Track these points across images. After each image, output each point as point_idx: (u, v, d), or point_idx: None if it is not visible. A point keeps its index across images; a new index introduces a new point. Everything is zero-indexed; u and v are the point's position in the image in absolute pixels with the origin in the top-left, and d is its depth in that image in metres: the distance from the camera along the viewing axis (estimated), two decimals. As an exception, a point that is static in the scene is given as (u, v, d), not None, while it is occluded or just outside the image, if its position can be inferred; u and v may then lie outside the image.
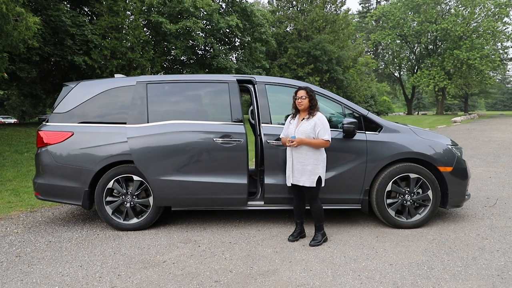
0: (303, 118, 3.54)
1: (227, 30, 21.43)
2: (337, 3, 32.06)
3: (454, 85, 38.02)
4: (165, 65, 21.74)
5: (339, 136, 3.92)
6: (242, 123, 3.99)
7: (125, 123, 3.97)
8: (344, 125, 3.79)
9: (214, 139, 3.86)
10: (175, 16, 18.89)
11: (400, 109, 67.78)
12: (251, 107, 4.63)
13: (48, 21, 12.73)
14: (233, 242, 3.68)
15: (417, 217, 4.02)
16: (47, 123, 4.10)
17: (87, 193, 3.94)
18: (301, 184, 3.50)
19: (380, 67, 50.20)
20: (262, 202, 4.05)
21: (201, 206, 4.05)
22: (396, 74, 50.43)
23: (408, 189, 3.98)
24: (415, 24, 39.78)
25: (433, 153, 4.01)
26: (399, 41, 43.49)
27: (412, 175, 3.95)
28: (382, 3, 53.58)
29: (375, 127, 4.05)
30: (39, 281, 2.89)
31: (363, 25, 54.09)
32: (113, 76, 4.48)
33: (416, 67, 44.78)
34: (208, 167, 3.89)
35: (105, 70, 14.58)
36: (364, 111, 4.11)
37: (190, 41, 19.66)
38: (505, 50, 40.43)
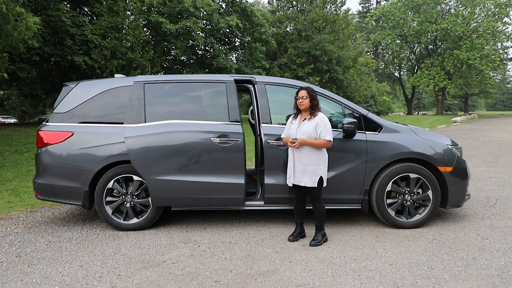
0: (305, 119, 3.53)
1: (227, 30, 21.45)
2: (337, 3, 32.07)
3: (454, 85, 38.03)
4: (165, 65, 21.76)
5: (339, 136, 3.91)
6: (240, 123, 3.99)
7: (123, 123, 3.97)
8: (344, 125, 3.79)
9: (212, 139, 3.86)
10: (175, 16, 18.90)
11: (400, 109, 67.78)
12: (251, 107, 4.62)
13: (48, 21, 12.73)
14: (233, 242, 3.68)
15: (417, 217, 4.02)
16: (47, 123, 4.10)
17: (87, 193, 3.94)
18: (302, 185, 3.50)
19: (380, 67, 50.21)
20: (262, 202, 4.05)
21: (199, 206, 4.04)
22: (396, 74, 50.44)
23: (408, 189, 3.98)
24: (415, 24, 39.78)
25: (433, 153, 4.01)
26: (399, 41, 43.51)
27: (412, 175, 3.95)
28: (382, 3, 53.61)
29: (375, 127, 4.05)
30: (39, 281, 2.89)
31: (363, 25, 54.09)
32: (113, 76, 4.48)
33: (416, 67, 44.78)
34: (206, 167, 3.89)
35: (105, 70, 14.59)
36: (364, 111, 4.11)
37: (190, 41, 19.67)
38: (505, 50, 40.44)
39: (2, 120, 30.66)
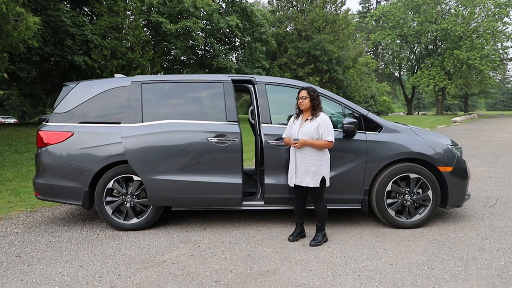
0: (307, 119, 3.53)
1: (227, 30, 21.45)
2: (337, 3, 32.08)
3: (454, 85, 38.04)
4: (165, 65, 21.77)
5: (339, 136, 3.91)
6: (237, 123, 3.99)
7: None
8: (344, 125, 3.79)
9: (209, 138, 3.86)
10: (175, 16, 18.90)
11: (400, 109, 67.79)
12: (251, 107, 4.62)
13: (48, 21, 12.73)
14: (233, 242, 3.68)
15: (417, 217, 4.02)
16: (47, 123, 4.10)
17: (87, 193, 3.94)
18: (304, 185, 3.49)
19: (380, 67, 50.21)
20: (262, 202, 4.05)
21: (196, 206, 4.04)
22: (396, 74, 50.45)
23: (408, 189, 3.98)
24: (415, 24, 39.80)
25: (433, 153, 4.01)
26: (399, 41, 43.52)
27: (412, 175, 3.95)
28: (382, 3, 53.62)
29: (375, 127, 4.05)
30: (39, 281, 2.89)
31: (363, 25, 54.10)
32: (113, 76, 4.48)
33: (416, 67, 44.79)
34: (203, 167, 3.88)
35: (105, 70, 14.59)
36: (364, 111, 4.11)
37: (190, 41, 19.67)
38: (505, 50, 40.46)
39: (2, 120, 30.66)
